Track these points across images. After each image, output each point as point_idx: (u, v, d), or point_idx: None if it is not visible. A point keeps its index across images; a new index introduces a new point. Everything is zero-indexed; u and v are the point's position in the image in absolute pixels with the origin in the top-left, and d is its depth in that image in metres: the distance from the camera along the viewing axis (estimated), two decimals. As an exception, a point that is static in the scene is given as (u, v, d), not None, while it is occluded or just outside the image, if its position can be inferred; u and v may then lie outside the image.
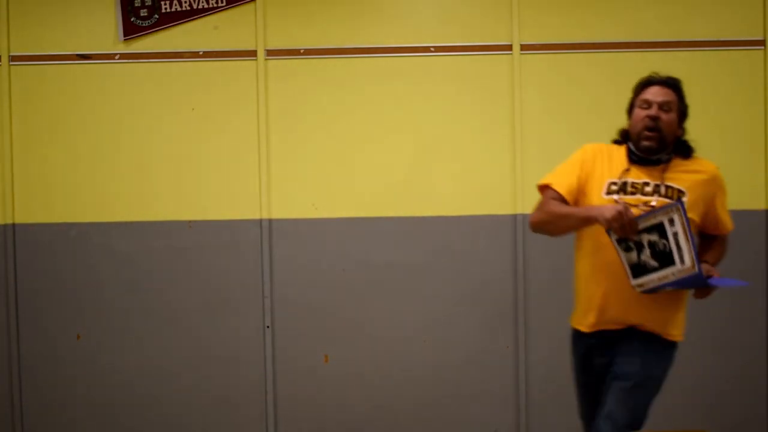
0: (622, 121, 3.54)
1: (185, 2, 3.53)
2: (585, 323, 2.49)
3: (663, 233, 2.24)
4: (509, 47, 3.52)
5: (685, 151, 2.46)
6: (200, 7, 3.53)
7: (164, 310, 3.55)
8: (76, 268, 3.54)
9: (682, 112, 2.45)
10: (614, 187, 2.41)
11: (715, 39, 3.53)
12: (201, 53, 3.54)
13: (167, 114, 3.55)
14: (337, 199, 3.55)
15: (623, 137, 2.52)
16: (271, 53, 3.53)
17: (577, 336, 2.58)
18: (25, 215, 3.54)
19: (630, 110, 2.50)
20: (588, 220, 2.33)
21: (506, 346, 3.56)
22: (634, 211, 2.29)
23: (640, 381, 2.42)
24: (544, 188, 2.56)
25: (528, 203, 3.52)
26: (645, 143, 2.39)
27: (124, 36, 3.53)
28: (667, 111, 2.39)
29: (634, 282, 2.30)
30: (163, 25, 3.53)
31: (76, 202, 3.54)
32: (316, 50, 3.51)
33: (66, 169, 3.54)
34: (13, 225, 3.54)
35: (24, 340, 3.55)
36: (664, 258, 2.25)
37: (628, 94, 3.50)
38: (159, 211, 3.55)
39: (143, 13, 3.53)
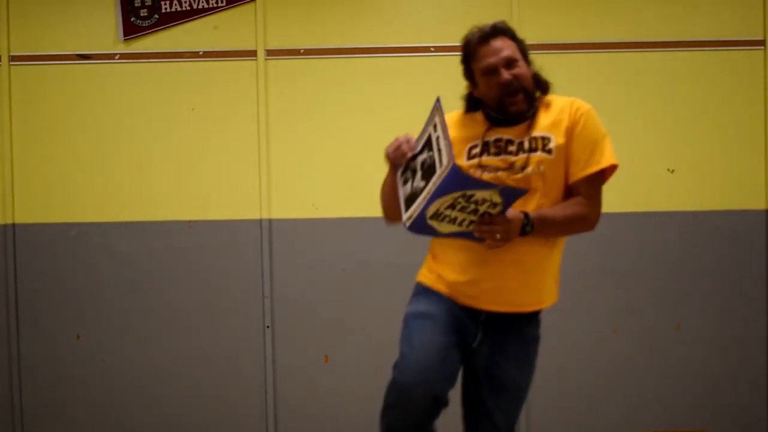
0: (622, 121, 3.55)
1: (185, 2, 3.53)
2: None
3: (431, 145, 2.00)
4: (509, 47, 3.52)
5: (542, 87, 2.20)
6: (200, 7, 3.53)
7: (164, 310, 3.55)
8: (76, 268, 3.54)
9: (524, 51, 2.18)
10: (475, 150, 2.15)
11: (715, 39, 3.53)
12: (201, 53, 3.54)
13: (167, 114, 3.55)
14: (337, 199, 3.55)
15: (472, 103, 2.25)
16: (271, 53, 3.53)
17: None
18: (25, 215, 3.54)
19: (470, 77, 2.23)
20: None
21: (506, 346, 3.56)
22: (502, 176, 2.09)
23: (525, 386, 2.24)
24: None
25: (528, 203, 3.53)
26: (513, 108, 2.12)
27: (124, 36, 3.53)
28: (515, 64, 2.13)
29: (405, 216, 2.01)
30: (163, 25, 3.53)
31: (76, 202, 3.54)
32: (316, 50, 3.51)
33: (66, 169, 3.54)
34: (13, 225, 3.54)
35: (24, 340, 3.55)
36: (431, 172, 1.96)
37: (628, 94, 3.55)
38: (159, 211, 3.55)
39: (143, 13, 3.53)
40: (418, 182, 1.99)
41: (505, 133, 2.15)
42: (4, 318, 3.53)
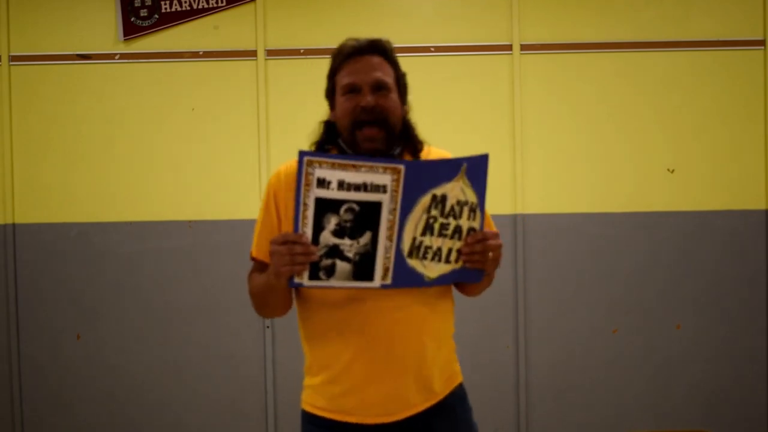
0: (622, 121, 3.55)
1: (185, 2, 3.53)
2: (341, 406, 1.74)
3: (333, 205, 1.58)
4: (509, 47, 3.52)
5: (414, 144, 1.77)
6: (200, 7, 3.53)
7: (164, 310, 3.55)
8: (76, 268, 3.54)
9: (402, 85, 1.77)
10: None
11: (715, 39, 3.53)
12: (201, 53, 3.54)
13: (167, 114, 3.55)
14: (337, 199, 3.55)
15: (329, 132, 1.77)
16: (271, 53, 3.53)
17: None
18: (25, 215, 3.54)
19: (330, 96, 1.78)
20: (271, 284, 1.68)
21: (506, 345, 3.56)
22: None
23: None
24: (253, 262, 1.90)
25: (528, 203, 3.53)
26: (367, 145, 1.67)
27: (124, 36, 3.53)
28: (385, 92, 1.70)
29: (377, 275, 1.62)
30: (163, 25, 3.53)
31: (76, 202, 3.54)
32: (316, 50, 3.51)
33: (66, 169, 3.54)
34: (13, 225, 3.54)
35: (24, 340, 3.55)
36: (368, 213, 1.59)
37: (628, 94, 3.56)
38: (159, 211, 3.55)
39: (143, 13, 3.53)
40: (357, 240, 1.58)
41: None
42: (4, 318, 3.53)
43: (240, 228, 3.54)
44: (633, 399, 3.56)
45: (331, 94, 1.78)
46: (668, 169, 3.55)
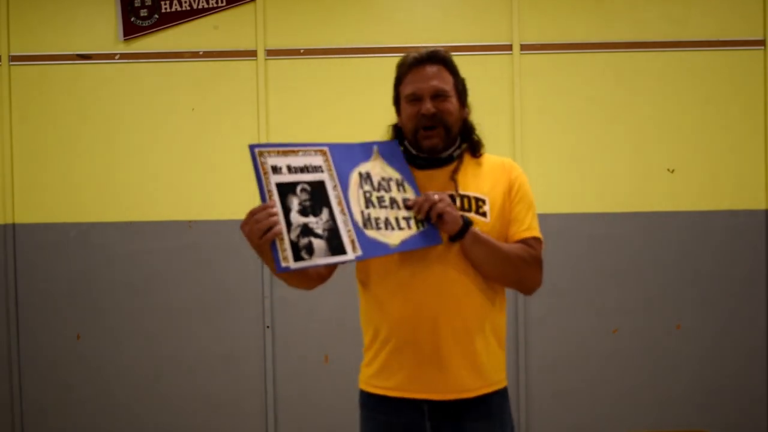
0: (622, 121, 3.55)
1: (185, 2, 3.53)
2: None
3: (290, 187, 1.74)
4: (509, 47, 3.52)
5: (474, 147, 1.97)
6: (200, 7, 3.53)
7: (164, 310, 3.55)
8: (76, 268, 3.54)
9: (461, 90, 1.95)
10: None
11: (715, 39, 3.53)
12: (201, 53, 3.54)
13: (167, 114, 3.55)
14: (337, 199, 3.55)
15: (398, 137, 1.99)
16: (271, 53, 3.53)
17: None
18: (25, 215, 3.54)
19: (396, 103, 1.99)
20: None
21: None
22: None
23: None
24: None
25: (528, 203, 3.53)
26: (427, 143, 1.89)
27: (124, 36, 3.53)
28: (443, 98, 1.89)
29: (348, 248, 1.73)
30: (163, 25, 3.53)
31: (76, 202, 3.54)
32: (316, 50, 3.51)
33: (66, 169, 3.54)
34: (13, 225, 3.54)
35: (24, 340, 3.55)
36: (317, 193, 1.76)
37: (628, 94, 3.56)
38: (159, 211, 3.55)
39: (143, 13, 3.53)
40: (315, 216, 1.70)
41: (428, 183, 1.89)
42: (4, 318, 3.53)
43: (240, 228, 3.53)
44: (633, 399, 3.56)
45: (396, 101, 1.99)
46: (668, 169, 3.55)
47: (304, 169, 1.74)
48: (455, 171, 1.91)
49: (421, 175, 1.91)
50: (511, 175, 1.93)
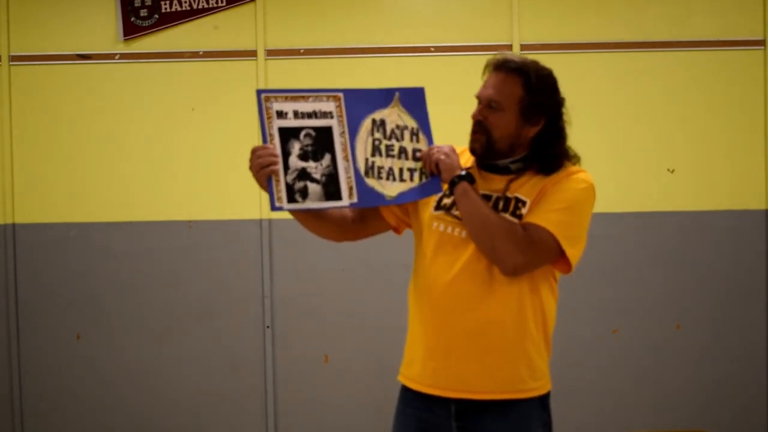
0: (622, 121, 3.55)
1: (185, 2, 3.53)
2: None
3: (294, 132, 1.83)
4: (509, 47, 3.52)
5: (546, 165, 1.88)
6: (200, 7, 3.53)
7: (164, 310, 3.55)
8: (76, 268, 3.54)
9: (527, 106, 1.85)
10: (447, 201, 1.88)
11: (715, 39, 3.53)
12: (201, 53, 3.54)
13: (167, 114, 3.55)
14: (337, 199, 3.55)
15: None
16: (271, 53, 3.53)
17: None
18: (25, 215, 3.54)
19: None
20: None
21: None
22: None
23: None
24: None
25: (528, 203, 3.53)
26: (471, 144, 1.91)
27: (124, 36, 3.53)
28: (495, 109, 1.85)
29: (344, 193, 1.83)
30: (163, 25, 3.53)
31: (76, 202, 3.54)
32: (316, 50, 3.51)
33: (66, 169, 3.54)
34: (13, 225, 3.54)
35: (24, 340, 3.55)
36: (323, 138, 1.84)
37: (628, 94, 3.55)
38: (159, 211, 3.55)
39: (143, 13, 3.53)
40: (316, 160, 1.79)
41: (487, 185, 1.89)
42: (4, 318, 3.53)
43: (240, 228, 3.54)
44: (633, 399, 3.56)
45: None
46: (668, 169, 3.55)
47: (312, 115, 1.80)
48: (512, 180, 1.87)
49: (483, 174, 1.91)
50: (556, 178, 1.86)
